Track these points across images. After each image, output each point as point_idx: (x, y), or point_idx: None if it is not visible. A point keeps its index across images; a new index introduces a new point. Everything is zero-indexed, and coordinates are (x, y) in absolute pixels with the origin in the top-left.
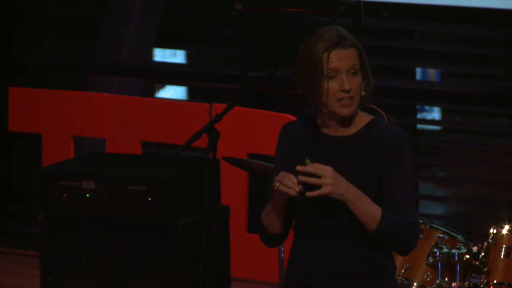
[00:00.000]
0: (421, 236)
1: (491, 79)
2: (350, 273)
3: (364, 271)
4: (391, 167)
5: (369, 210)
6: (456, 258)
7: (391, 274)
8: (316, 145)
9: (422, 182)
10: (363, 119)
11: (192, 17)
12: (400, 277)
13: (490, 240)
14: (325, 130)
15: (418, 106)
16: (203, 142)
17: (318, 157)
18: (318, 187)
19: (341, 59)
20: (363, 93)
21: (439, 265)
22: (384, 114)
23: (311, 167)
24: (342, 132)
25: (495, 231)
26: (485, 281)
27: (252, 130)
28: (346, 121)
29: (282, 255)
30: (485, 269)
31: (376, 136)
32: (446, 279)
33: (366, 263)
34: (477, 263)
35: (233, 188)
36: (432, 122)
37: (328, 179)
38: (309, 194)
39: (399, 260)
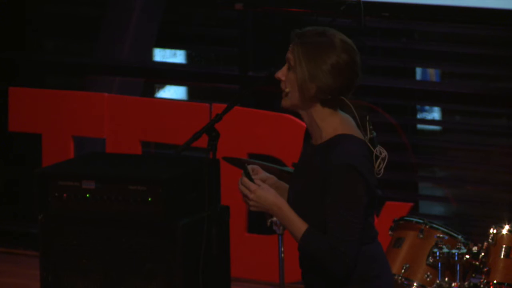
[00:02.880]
0: (421, 236)
1: (491, 79)
2: (313, 270)
3: (325, 272)
4: (328, 191)
5: (291, 229)
6: (456, 258)
7: (369, 278)
8: (304, 149)
9: (422, 182)
10: (331, 131)
11: (192, 17)
12: (400, 277)
13: (490, 240)
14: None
15: (418, 106)
16: (203, 142)
17: (300, 162)
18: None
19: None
20: (287, 90)
21: (439, 265)
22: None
23: (241, 184)
24: (314, 139)
25: (495, 231)
26: (485, 281)
27: (252, 130)
28: (311, 126)
29: (282, 255)
30: (485, 269)
31: (327, 155)
32: (446, 279)
33: None
34: (477, 263)
35: (233, 188)
36: (432, 122)
37: (249, 201)
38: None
39: (399, 260)
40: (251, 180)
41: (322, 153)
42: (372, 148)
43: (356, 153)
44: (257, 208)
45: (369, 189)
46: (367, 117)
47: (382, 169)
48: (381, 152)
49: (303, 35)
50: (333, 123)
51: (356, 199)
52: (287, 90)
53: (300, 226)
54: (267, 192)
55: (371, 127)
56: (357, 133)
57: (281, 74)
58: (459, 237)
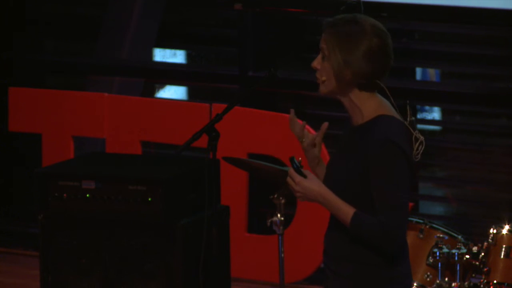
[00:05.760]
0: (421, 236)
1: (491, 79)
2: (340, 253)
3: (352, 254)
4: (373, 169)
5: (339, 215)
6: (456, 258)
7: (383, 266)
8: (342, 138)
9: (422, 182)
10: (372, 112)
11: (192, 17)
12: None
13: (490, 240)
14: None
15: (418, 106)
16: (203, 142)
17: (337, 149)
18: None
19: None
20: (323, 78)
21: (439, 265)
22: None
23: (289, 176)
24: (355, 121)
25: (495, 231)
26: (485, 281)
27: (252, 130)
28: (351, 109)
29: (282, 255)
30: (485, 269)
31: (368, 133)
32: (446, 279)
33: (355, 247)
34: (477, 263)
35: (233, 188)
36: (432, 122)
37: (295, 192)
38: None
39: None
40: (299, 171)
41: (363, 132)
42: (412, 131)
43: (397, 132)
44: (304, 198)
45: (410, 166)
46: (408, 101)
47: (420, 154)
48: (419, 136)
49: (335, 25)
50: (373, 105)
51: (400, 174)
52: (323, 78)
53: (347, 210)
54: (311, 183)
55: (410, 111)
56: (397, 115)
57: (316, 63)
58: (459, 237)
